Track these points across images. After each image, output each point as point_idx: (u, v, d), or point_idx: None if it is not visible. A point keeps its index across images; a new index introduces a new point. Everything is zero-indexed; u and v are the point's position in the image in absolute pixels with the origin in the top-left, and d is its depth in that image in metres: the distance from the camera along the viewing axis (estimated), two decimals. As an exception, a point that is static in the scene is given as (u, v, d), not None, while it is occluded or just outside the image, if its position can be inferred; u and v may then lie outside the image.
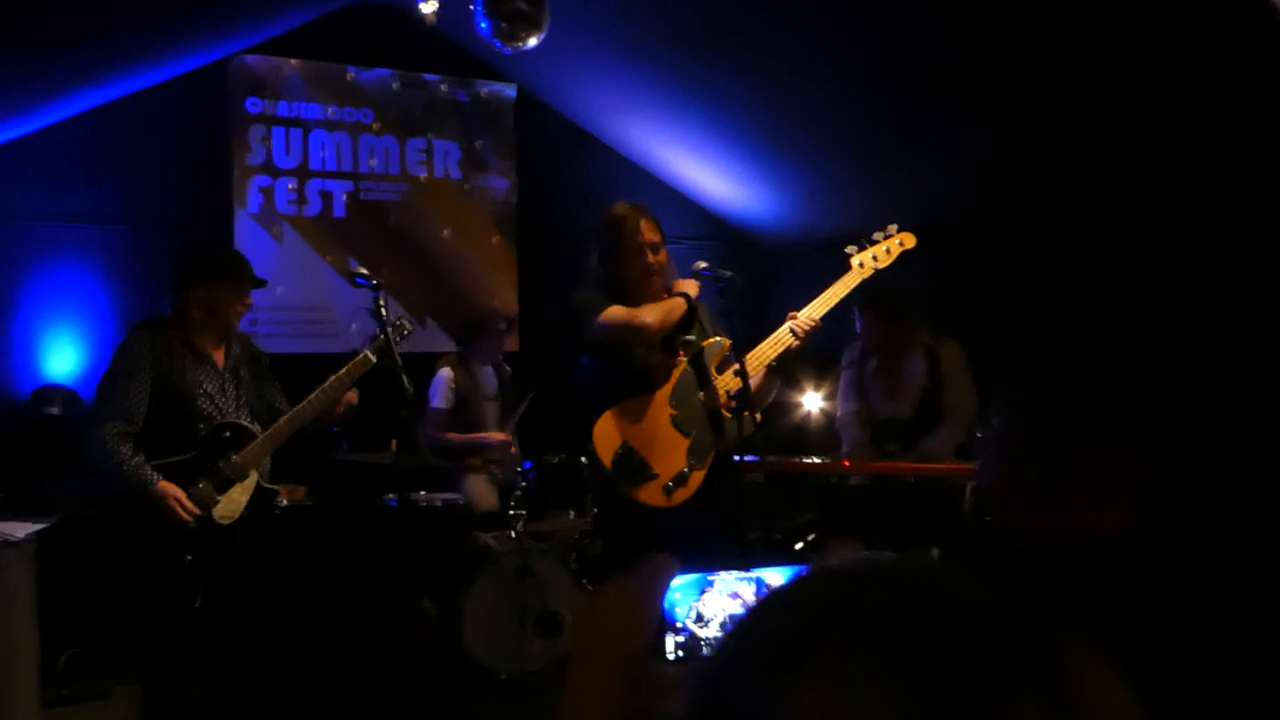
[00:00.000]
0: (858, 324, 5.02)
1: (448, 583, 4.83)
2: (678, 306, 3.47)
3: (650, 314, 3.44)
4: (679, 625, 1.48)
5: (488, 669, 4.58)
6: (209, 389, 3.70)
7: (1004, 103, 4.95)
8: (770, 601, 0.65)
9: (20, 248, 5.86)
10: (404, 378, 3.30)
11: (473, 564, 4.80)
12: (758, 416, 3.42)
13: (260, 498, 3.79)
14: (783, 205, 7.29)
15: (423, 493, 5.25)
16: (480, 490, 5.47)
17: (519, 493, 5.02)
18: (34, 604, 3.87)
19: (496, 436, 5.58)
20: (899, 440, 5.03)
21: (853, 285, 3.63)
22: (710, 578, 1.55)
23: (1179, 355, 4.62)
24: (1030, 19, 4.25)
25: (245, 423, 3.75)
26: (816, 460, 5.16)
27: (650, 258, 3.48)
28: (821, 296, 3.57)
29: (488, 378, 5.78)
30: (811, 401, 6.24)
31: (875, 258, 3.71)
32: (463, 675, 4.57)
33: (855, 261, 3.70)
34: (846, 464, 5.03)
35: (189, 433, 3.62)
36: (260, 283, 3.80)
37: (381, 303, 3.35)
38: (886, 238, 3.75)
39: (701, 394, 3.48)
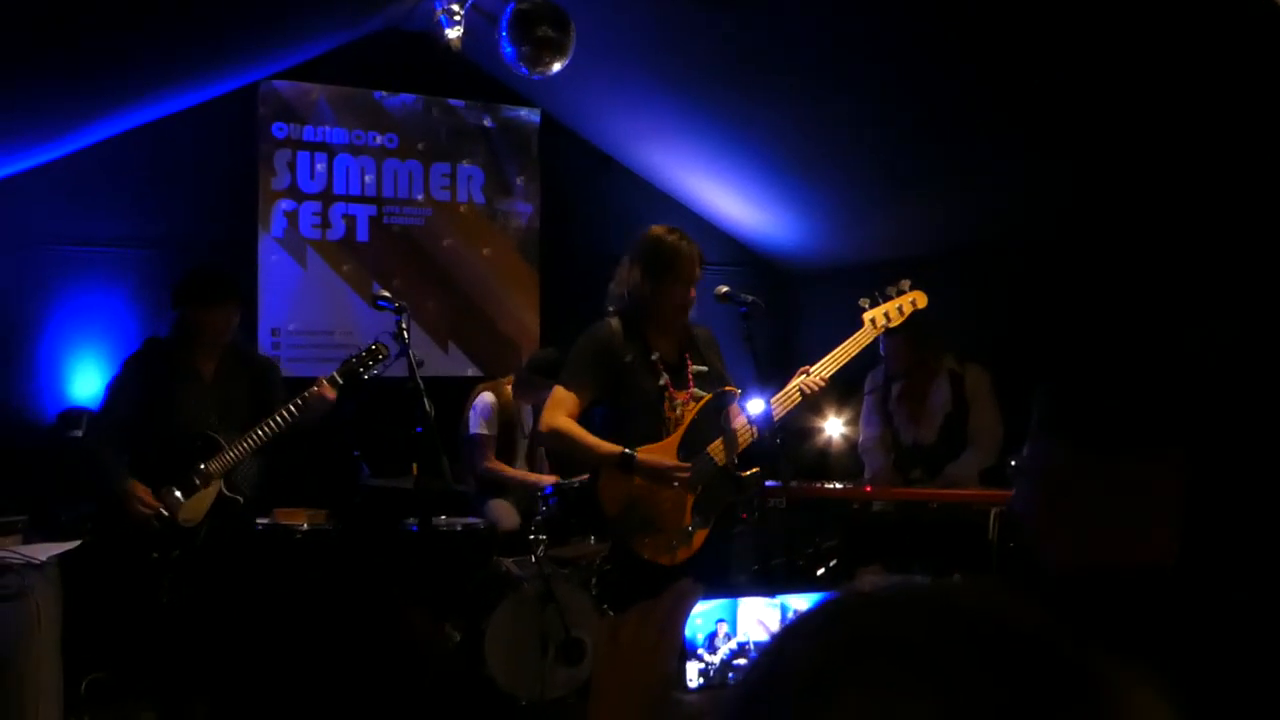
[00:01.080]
0: (882, 349, 4.98)
1: (469, 608, 4.80)
2: (606, 457, 3.41)
3: (576, 434, 3.46)
4: (700, 652, 1.45)
5: (509, 695, 4.53)
6: (189, 402, 4.07)
7: (1028, 129, 4.93)
8: (802, 625, 0.62)
9: (47, 271, 5.92)
10: (425, 400, 3.29)
11: (494, 589, 4.77)
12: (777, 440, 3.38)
13: (223, 505, 4.12)
14: (807, 231, 7.27)
15: (444, 517, 5.24)
16: (503, 512, 5.49)
17: (539, 518, 4.99)
18: (57, 629, 3.87)
19: (548, 479, 5.55)
20: (923, 466, 4.98)
21: (863, 344, 3.62)
22: (735, 603, 1.53)
23: (1212, 375, 4.57)
24: (1057, 44, 4.23)
25: (218, 435, 4.05)
26: (839, 486, 5.12)
27: (692, 294, 3.47)
28: (833, 355, 3.55)
29: (526, 414, 5.77)
30: (834, 427, 6.19)
31: (888, 315, 3.69)
32: (484, 702, 4.53)
33: (868, 319, 3.67)
34: (869, 490, 4.99)
35: (166, 442, 4.03)
36: (221, 300, 4.08)
37: (404, 325, 3.36)
38: (899, 294, 3.73)
39: (709, 448, 3.43)
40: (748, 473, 3.42)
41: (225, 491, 4.11)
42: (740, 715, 0.60)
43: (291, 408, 4.04)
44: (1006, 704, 0.53)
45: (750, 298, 3.45)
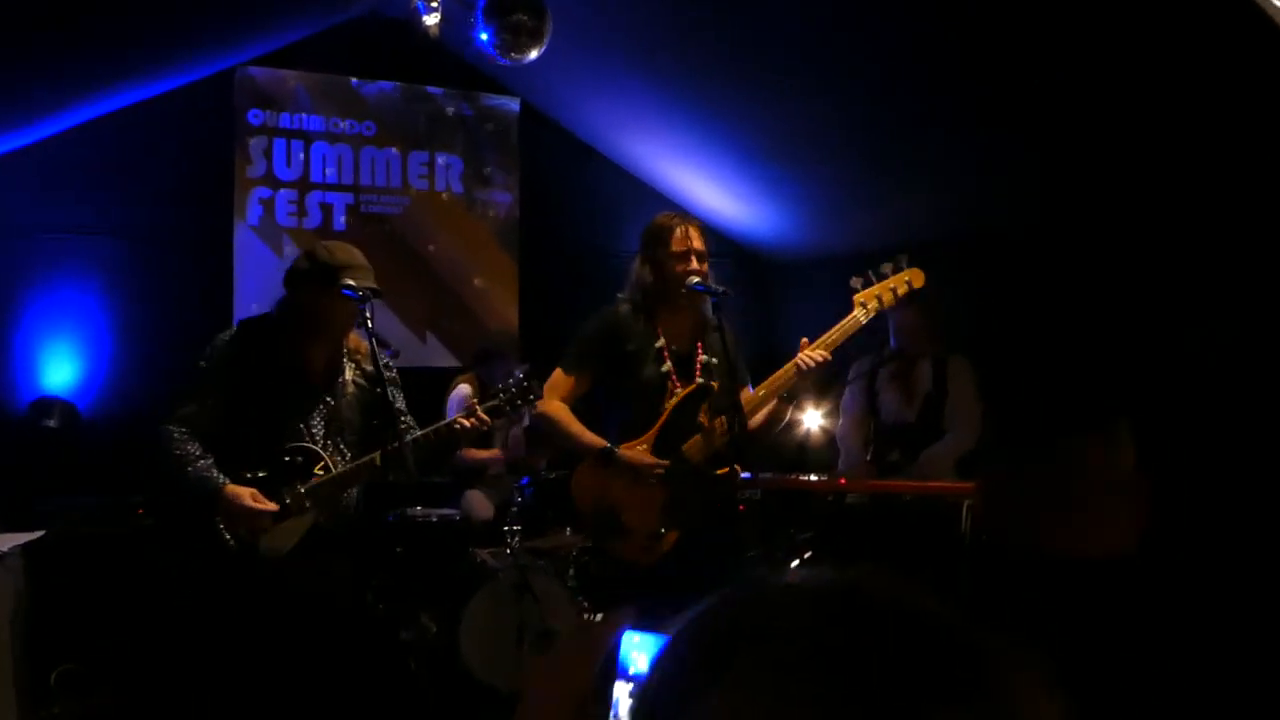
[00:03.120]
0: (892, 323, 4.92)
1: (445, 599, 4.79)
2: (588, 449, 3.37)
3: (564, 422, 3.41)
4: (633, 674, 1.41)
5: (485, 685, 4.53)
6: (292, 407, 3.24)
7: (1010, 121, 4.92)
8: (702, 610, 0.64)
9: (20, 259, 5.85)
10: (389, 391, 3.21)
11: (470, 580, 4.76)
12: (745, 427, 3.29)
13: (316, 539, 3.23)
14: (790, 222, 7.26)
15: (419, 508, 5.23)
16: (478, 502, 5.49)
17: (515, 509, 4.99)
18: (19, 619, 3.81)
19: (492, 454, 5.62)
20: (901, 447, 4.96)
21: (853, 330, 3.45)
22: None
23: (1172, 362, 4.58)
24: (1038, 36, 4.22)
25: (323, 451, 3.26)
26: (813, 478, 5.10)
27: (694, 264, 3.40)
28: (827, 335, 3.40)
29: None
30: (812, 419, 6.18)
31: (880, 298, 3.50)
32: (460, 691, 4.52)
33: (859, 301, 3.50)
34: (843, 482, 4.97)
35: (259, 451, 3.19)
36: (371, 293, 3.21)
37: (369, 314, 3.22)
38: (895, 271, 3.56)
39: (686, 447, 3.36)
40: (721, 471, 3.36)
41: (324, 525, 3.26)
42: (642, 691, 0.63)
43: (435, 432, 3.24)
44: (877, 691, 0.54)
45: (721, 288, 3.39)
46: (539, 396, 3.40)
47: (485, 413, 3.28)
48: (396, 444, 3.07)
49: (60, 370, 5.90)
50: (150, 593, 3.81)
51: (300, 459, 3.23)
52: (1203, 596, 1.20)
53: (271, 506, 3.11)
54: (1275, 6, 3.38)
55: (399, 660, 4.63)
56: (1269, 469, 3.55)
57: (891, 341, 5.02)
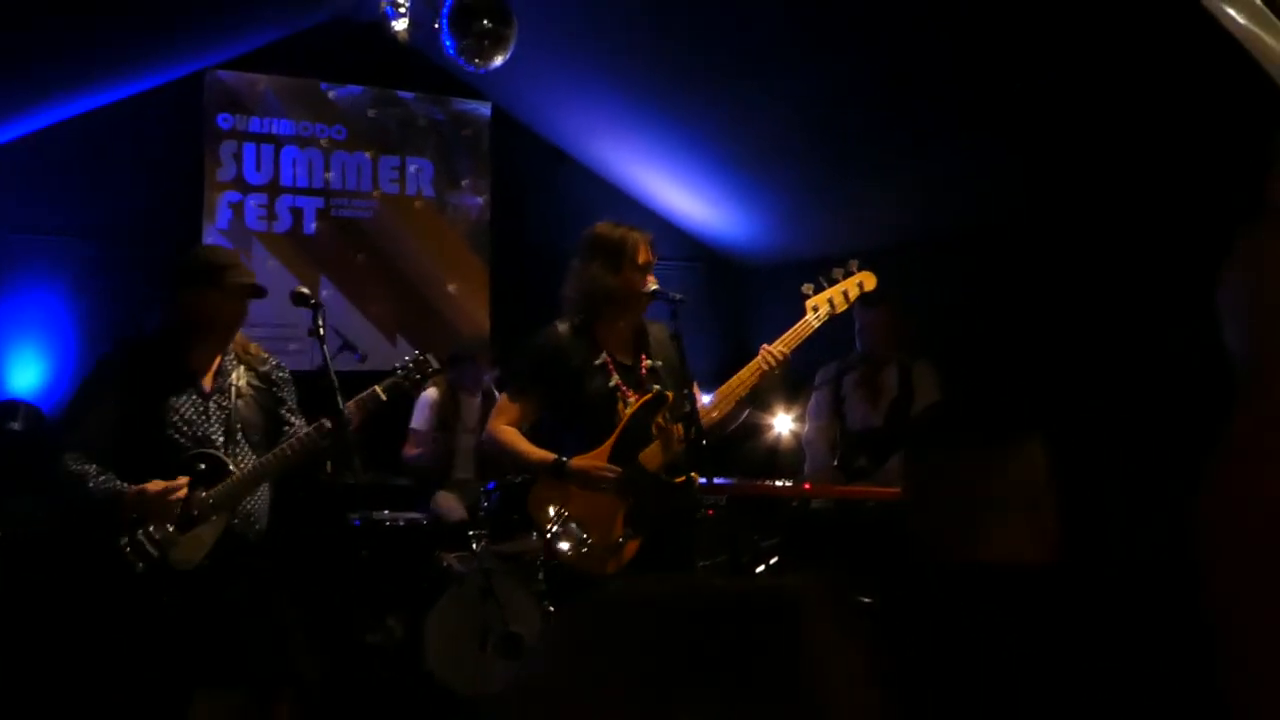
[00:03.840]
0: (858, 325, 4.96)
1: (411, 602, 4.80)
2: (538, 465, 3.37)
3: (511, 443, 3.41)
4: None
5: (448, 689, 4.54)
6: (186, 414, 3.18)
7: (979, 121, 4.95)
8: (566, 611, 0.91)
9: (-13, 260, 5.82)
10: (339, 396, 3.20)
11: (436, 584, 4.76)
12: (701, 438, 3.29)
13: (230, 544, 3.19)
14: (760, 227, 7.30)
15: (386, 511, 5.23)
16: (448, 504, 5.49)
17: (481, 513, 4.99)
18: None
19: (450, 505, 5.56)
20: (868, 453, 4.98)
21: (806, 334, 3.47)
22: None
23: (1100, 369, 4.62)
24: (1008, 34, 4.25)
25: (225, 455, 3.21)
26: (777, 484, 5.12)
27: (646, 280, 3.39)
28: (781, 340, 3.43)
29: (472, 409, 5.74)
30: (783, 424, 6.21)
31: (832, 301, 3.53)
32: (423, 695, 4.53)
33: (810, 305, 3.52)
34: (808, 487, 4.99)
35: (159, 462, 3.11)
36: (257, 291, 3.27)
37: (320, 322, 3.22)
38: (846, 276, 3.59)
39: (642, 456, 3.35)
40: (679, 480, 3.37)
41: (233, 527, 3.21)
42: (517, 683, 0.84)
43: (326, 422, 3.20)
44: (642, 678, 0.73)
45: (678, 295, 3.40)
46: (436, 369, 3.49)
47: (384, 391, 3.32)
48: (336, 433, 3.13)
49: (25, 373, 5.88)
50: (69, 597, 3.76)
51: (204, 465, 3.17)
52: (1111, 610, 1.23)
53: (181, 481, 3.06)
54: (1231, 18, 3.43)
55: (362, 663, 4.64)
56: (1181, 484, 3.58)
57: (857, 344, 5.05)
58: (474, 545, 4.79)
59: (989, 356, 5.16)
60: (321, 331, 3.17)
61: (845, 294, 3.57)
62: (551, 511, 3.32)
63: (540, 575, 4.99)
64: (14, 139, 5.77)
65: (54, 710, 4.01)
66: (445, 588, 4.69)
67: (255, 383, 3.36)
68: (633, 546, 3.32)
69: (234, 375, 3.32)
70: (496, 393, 5.84)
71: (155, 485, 3.05)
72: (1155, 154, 4.51)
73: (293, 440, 3.21)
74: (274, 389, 3.32)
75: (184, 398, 3.20)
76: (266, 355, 3.42)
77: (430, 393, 5.59)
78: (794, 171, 6.38)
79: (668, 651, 0.73)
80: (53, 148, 5.89)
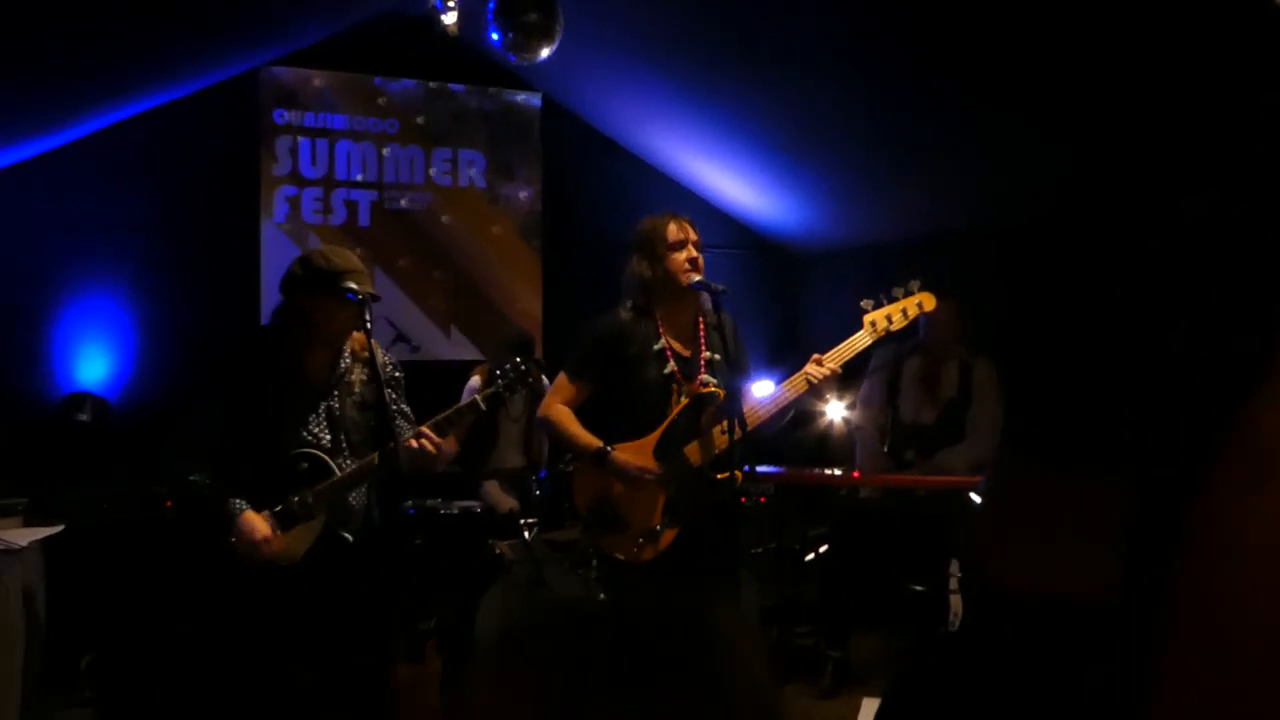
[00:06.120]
0: (922, 316, 4.93)
1: (463, 590, 4.86)
2: (584, 450, 3.43)
3: (563, 424, 3.47)
4: None
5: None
6: (296, 413, 3.25)
7: (1028, 110, 4.87)
8: (511, 617, 1.06)
9: (53, 258, 5.99)
10: (388, 393, 3.25)
11: (488, 572, 4.82)
12: (737, 433, 3.29)
13: (329, 545, 3.26)
14: (810, 213, 7.26)
15: (440, 500, 5.30)
16: (498, 494, 5.53)
17: (535, 499, 5.04)
18: (35, 610, 3.87)
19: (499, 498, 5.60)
20: (918, 447, 4.96)
21: (860, 348, 3.46)
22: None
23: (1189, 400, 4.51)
24: (1057, 24, 4.18)
25: (328, 455, 3.25)
26: (826, 472, 5.10)
27: (692, 252, 3.42)
28: (836, 350, 3.43)
29: (516, 398, 5.78)
30: (835, 411, 6.19)
31: (890, 319, 3.50)
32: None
33: (868, 320, 3.50)
34: (856, 475, 4.97)
35: (265, 460, 3.21)
36: (370, 297, 3.24)
37: (369, 318, 3.26)
38: (906, 295, 3.55)
39: (687, 449, 3.40)
40: (722, 475, 3.38)
41: (339, 531, 3.29)
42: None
43: (436, 427, 3.25)
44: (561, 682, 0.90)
45: (721, 286, 3.40)
46: (536, 380, 3.44)
47: (485, 401, 3.31)
48: (392, 444, 3.11)
49: (93, 366, 6.05)
50: (170, 584, 3.87)
51: (306, 465, 3.23)
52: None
53: (278, 545, 3.16)
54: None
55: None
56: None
57: (920, 333, 4.99)
58: (525, 534, 4.84)
59: (1050, 360, 5.03)
60: (370, 325, 3.21)
61: (904, 312, 3.54)
62: (591, 496, 3.38)
63: (594, 563, 5.04)
64: (75, 140, 5.92)
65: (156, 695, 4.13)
66: (495, 576, 4.74)
67: (369, 383, 3.36)
68: (669, 535, 3.35)
69: (349, 375, 3.35)
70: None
71: (263, 534, 3.13)
72: (1213, 146, 4.41)
73: (395, 444, 3.18)
74: (388, 388, 3.27)
75: (295, 398, 3.26)
76: (384, 355, 3.41)
77: (474, 381, 5.63)
78: (844, 158, 6.33)
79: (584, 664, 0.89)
80: (114, 147, 6.04)
